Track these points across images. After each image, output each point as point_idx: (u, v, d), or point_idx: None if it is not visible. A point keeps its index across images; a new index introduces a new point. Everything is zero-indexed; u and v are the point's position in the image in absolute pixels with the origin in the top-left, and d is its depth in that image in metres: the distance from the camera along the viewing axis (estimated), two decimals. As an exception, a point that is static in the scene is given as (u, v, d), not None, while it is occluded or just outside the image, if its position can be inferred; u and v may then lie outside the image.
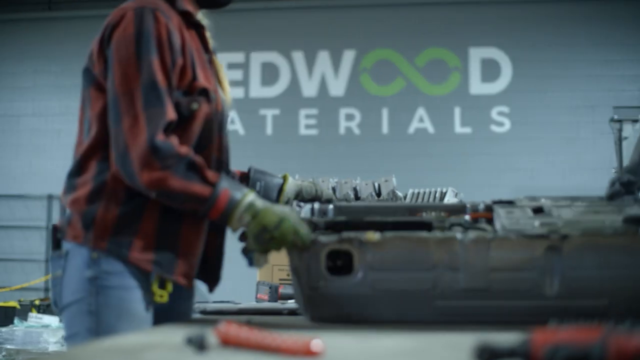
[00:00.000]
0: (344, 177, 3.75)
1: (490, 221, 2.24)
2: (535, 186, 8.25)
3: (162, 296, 2.12)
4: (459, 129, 8.80)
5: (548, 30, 8.74)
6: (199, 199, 2.01)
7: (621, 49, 8.57)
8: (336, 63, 9.08)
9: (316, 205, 2.27)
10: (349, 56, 9.08)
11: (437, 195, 4.42)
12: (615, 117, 7.19)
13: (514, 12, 8.82)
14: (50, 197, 10.36)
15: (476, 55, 8.92)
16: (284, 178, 2.49)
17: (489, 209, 2.30)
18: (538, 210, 2.13)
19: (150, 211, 2.07)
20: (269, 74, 9.27)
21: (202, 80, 2.15)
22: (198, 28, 2.26)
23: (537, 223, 2.03)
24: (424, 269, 2.05)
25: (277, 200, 2.45)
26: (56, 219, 2.53)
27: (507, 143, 8.63)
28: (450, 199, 3.60)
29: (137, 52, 2.04)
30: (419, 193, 3.76)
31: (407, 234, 2.03)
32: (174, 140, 2.02)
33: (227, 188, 2.03)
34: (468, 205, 2.35)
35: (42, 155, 10.17)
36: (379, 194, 4.50)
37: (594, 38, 8.64)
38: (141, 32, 2.05)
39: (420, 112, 8.85)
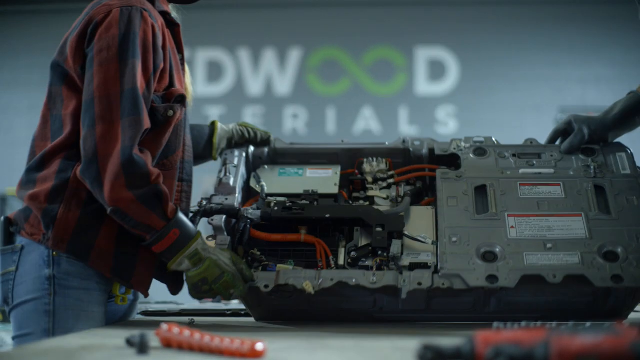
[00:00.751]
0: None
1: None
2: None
3: (123, 300, 2.08)
4: (405, 129, 8.83)
5: (495, 30, 8.82)
6: (150, 228, 1.96)
7: (567, 51, 8.68)
8: (282, 61, 9.06)
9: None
10: (295, 55, 9.06)
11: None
12: (561, 117, 7.28)
13: (461, 12, 8.88)
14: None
15: (423, 55, 8.96)
16: (213, 125, 2.42)
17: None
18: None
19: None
20: (214, 72, 9.22)
21: (177, 86, 2.09)
22: (173, 27, 2.19)
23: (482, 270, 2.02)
24: (364, 296, 2.07)
25: (209, 151, 2.40)
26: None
27: (453, 143, 8.71)
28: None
29: (120, 55, 1.93)
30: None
31: (346, 279, 2.03)
32: (147, 158, 1.94)
33: (177, 229, 1.97)
34: (411, 149, 2.39)
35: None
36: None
37: (541, 39, 8.73)
38: (127, 33, 1.95)
39: (366, 111, 8.87)
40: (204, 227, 2.20)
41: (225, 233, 2.16)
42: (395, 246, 2.08)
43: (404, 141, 2.41)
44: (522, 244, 2.04)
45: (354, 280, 2.03)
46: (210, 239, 2.18)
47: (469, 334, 1.03)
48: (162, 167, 2.10)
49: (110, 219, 1.98)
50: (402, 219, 2.15)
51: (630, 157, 2.28)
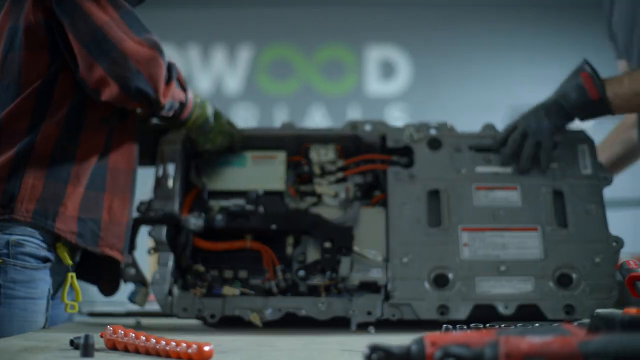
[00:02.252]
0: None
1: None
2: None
3: (73, 307, 2.03)
4: (355, 128, 8.86)
5: (446, 29, 8.88)
6: (182, 104, 2.10)
7: (518, 50, 8.78)
8: (232, 59, 9.01)
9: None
10: (245, 53, 9.02)
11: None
12: (511, 117, 7.36)
13: (412, 11, 8.92)
14: None
15: (373, 53, 8.99)
16: None
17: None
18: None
19: (74, 181, 1.97)
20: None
21: None
22: None
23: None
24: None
25: None
26: None
27: (403, 142, 8.75)
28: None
29: None
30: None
31: (295, 309, 2.03)
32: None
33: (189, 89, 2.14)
34: (361, 136, 2.27)
35: None
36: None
37: (491, 39, 8.82)
38: None
39: (317, 111, 8.87)
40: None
41: (168, 246, 2.11)
42: (344, 266, 2.06)
43: (353, 126, 2.28)
44: (475, 266, 2.01)
45: (303, 311, 2.02)
46: (151, 252, 2.14)
47: (419, 335, 1.03)
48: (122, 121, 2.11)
49: (73, 187, 1.96)
50: (351, 233, 2.10)
51: (593, 152, 2.19)
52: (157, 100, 1.95)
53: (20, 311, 1.90)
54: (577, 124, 2.22)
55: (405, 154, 2.24)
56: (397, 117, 8.83)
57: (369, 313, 1.99)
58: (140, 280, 2.18)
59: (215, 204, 2.21)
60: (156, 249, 2.11)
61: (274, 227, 2.13)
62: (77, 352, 1.29)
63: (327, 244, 2.10)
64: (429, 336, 1.00)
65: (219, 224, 2.14)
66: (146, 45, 1.93)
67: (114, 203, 2.04)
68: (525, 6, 8.87)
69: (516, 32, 8.85)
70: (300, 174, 2.28)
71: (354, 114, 8.83)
